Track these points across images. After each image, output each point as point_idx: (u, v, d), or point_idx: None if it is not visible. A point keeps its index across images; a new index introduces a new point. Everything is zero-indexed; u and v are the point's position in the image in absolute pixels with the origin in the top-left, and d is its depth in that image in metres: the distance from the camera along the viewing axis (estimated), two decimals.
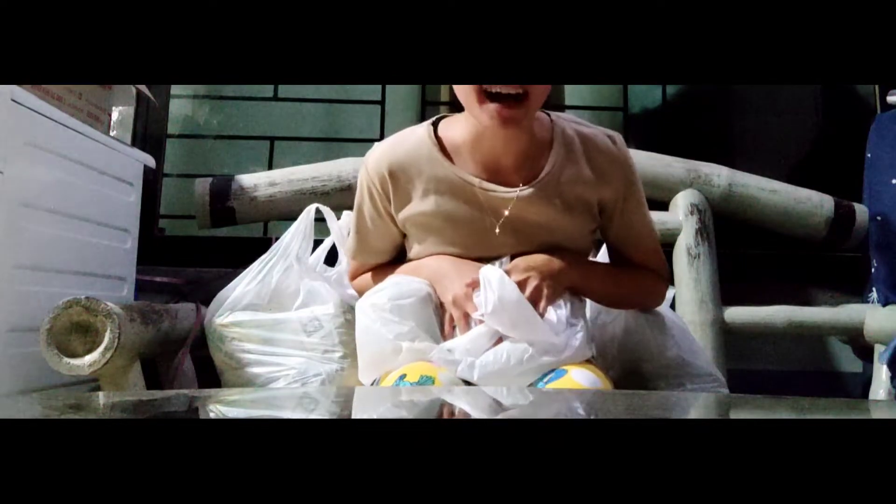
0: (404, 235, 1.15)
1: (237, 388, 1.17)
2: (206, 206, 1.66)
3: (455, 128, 1.09)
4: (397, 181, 1.08)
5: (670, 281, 1.34)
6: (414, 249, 1.13)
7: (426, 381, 0.94)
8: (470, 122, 1.05)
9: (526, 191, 1.06)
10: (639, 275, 1.16)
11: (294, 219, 1.29)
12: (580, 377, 0.95)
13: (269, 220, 1.92)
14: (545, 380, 0.97)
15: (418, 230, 1.11)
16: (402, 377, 0.95)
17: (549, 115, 1.11)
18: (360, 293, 1.20)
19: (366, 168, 1.10)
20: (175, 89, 2.15)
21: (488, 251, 1.07)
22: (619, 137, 1.11)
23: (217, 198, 1.65)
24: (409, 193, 1.08)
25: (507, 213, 1.05)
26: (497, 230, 1.06)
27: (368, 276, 1.19)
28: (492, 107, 0.97)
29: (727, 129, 2.26)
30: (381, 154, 1.09)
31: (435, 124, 1.11)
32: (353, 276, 1.21)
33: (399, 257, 1.19)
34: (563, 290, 1.05)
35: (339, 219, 1.31)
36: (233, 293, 1.22)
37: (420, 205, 1.08)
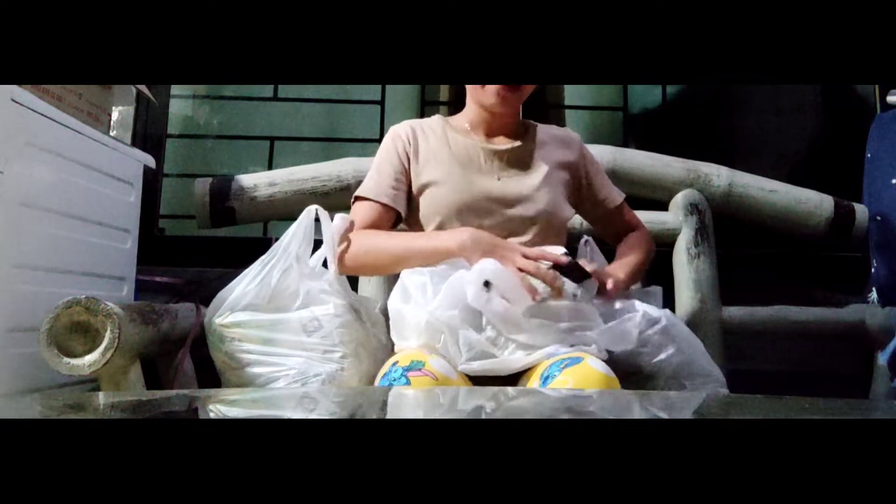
0: (406, 217, 1.30)
1: (237, 388, 1.17)
2: (206, 206, 1.66)
3: (457, 118, 1.37)
4: (417, 136, 1.32)
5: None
6: (429, 198, 1.27)
7: (417, 364, 1.00)
8: (468, 112, 1.34)
9: (514, 144, 1.31)
10: (639, 240, 1.39)
11: (294, 219, 1.29)
12: (597, 364, 0.99)
13: (269, 220, 1.92)
14: (562, 365, 0.99)
15: (432, 169, 1.28)
16: (395, 363, 1.03)
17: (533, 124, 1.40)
18: (353, 250, 1.22)
19: (393, 129, 1.35)
20: (175, 89, 2.15)
21: (488, 197, 1.25)
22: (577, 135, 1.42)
23: (217, 198, 1.65)
24: (426, 142, 1.32)
25: (500, 164, 1.29)
26: (494, 178, 1.27)
27: (369, 230, 1.24)
28: (494, 88, 1.24)
29: (727, 129, 2.26)
30: (403, 123, 1.36)
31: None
32: (360, 226, 1.25)
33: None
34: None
35: (332, 220, 1.31)
36: (233, 293, 1.22)
37: (433, 150, 1.30)
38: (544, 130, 1.37)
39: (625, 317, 1.13)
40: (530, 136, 1.34)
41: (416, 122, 1.35)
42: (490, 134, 1.32)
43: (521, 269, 1.09)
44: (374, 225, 1.26)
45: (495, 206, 1.24)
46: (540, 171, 1.29)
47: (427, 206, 1.27)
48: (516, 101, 1.27)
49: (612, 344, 1.10)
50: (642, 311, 1.16)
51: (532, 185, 1.27)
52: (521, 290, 1.07)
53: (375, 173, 1.30)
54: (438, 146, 1.30)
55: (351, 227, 1.25)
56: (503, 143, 1.31)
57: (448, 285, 1.06)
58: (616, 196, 1.39)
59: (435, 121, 1.36)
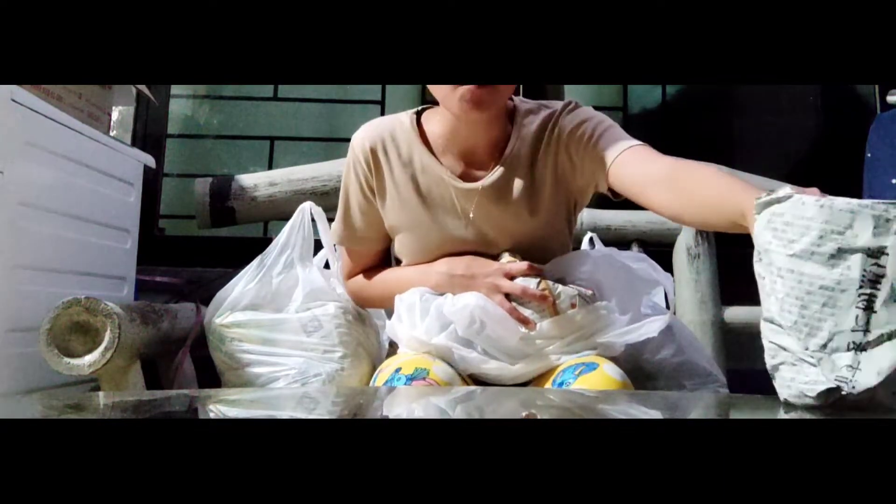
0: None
1: (237, 388, 1.17)
2: (206, 206, 1.66)
3: (434, 120, 1.12)
4: (378, 159, 1.11)
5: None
6: (398, 242, 1.15)
7: (421, 373, 0.95)
8: (445, 115, 1.08)
9: (490, 179, 1.08)
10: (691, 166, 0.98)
11: None
12: (612, 371, 0.96)
13: (269, 220, 1.92)
14: (577, 372, 0.96)
15: (397, 214, 1.12)
16: (398, 370, 0.98)
17: (512, 100, 1.13)
18: (355, 297, 1.22)
19: (352, 146, 1.14)
20: (175, 89, 2.15)
21: (464, 242, 1.09)
22: (572, 103, 1.12)
23: (217, 198, 1.65)
24: (389, 172, 1.11)
25: (472, 207, 1.08)
26: (467, 221, 1.09)
27: (362, 279, 1.19)
28: (464, 89, 0.98)
29: (727, 129, 2.26)
30: (365, 132, 1.13)
31: (419, 113, 1.15)
32: (348, 276, 1.22)
33: (387, 260, 1.21)
34: None
35: (328, 219, 1.30)
36: (232, 293, 1.22)
37: (398, 185, 1.11)
38: (530, 126, 1.10)
39: (650, 318, 1.05)
40: (514, 151, 1.09)
41: (380, 137, 1.11)
42: (466, 153, 1.10)
43: (507, 296, 1.01)
44: (364, 267, 1.20)
45: (473, 249, 1.09)
46: (525, 199, 1.08)
47: (397, 247, 1.16)
48: (492, 102, 1.01)
49: (633, 339, 1.03)
50: (668, 315, 1.09)
51: (516, 225, 1.08)
52: (511, 323, 0.99)
53: (344, 214, 1.16)
54: (403, 180, 1.10)
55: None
56: (479, 173, 1.09)
57: (434, 310, 1.02)
58: (618, 148, 1.02)
59: (403, 130, 1.12)
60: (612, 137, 1.05)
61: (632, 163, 1.00)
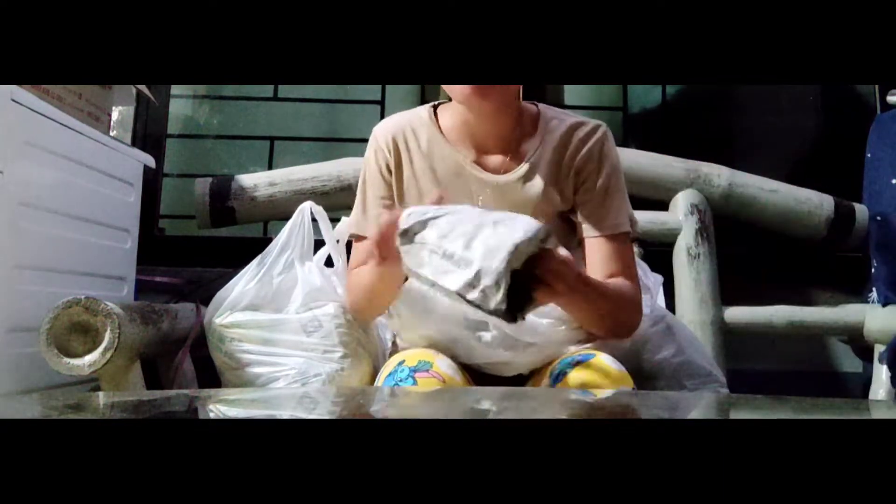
0: None
1: (237, 388, 1.17)
2: (206, 206, 1.66)
3: (447, 114, 1.16)
4: (399, 149, 1.14)
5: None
6: None
7: (424, 365, 0.97)
8: (457, 108, 1.11)
9: (509, 177, 1.10)
10: (620, 288, 1.05)
11: None
12: (609, 361, 0.97)
13: (269, 220, 1.92)
14: (573, 363, 0.98)
15: (414, 203, 1.10)
16: (402, 362, 0.99)
17: (537, 106, 1.15)
18: (354, 295, 1.17)
19: (374, 136, 1.17)
20: (175, 89, 2.15)
21: None
22: (603, 128, 1.13)
23: (217, 198, 1.65)
24: (409, 163, 1.14)
25: (489, 195, 1.10)
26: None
27: (362, 270, 1.15)
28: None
29: (727, 129, 2.26)
30: (388, 123, 1.17)
31: (435, 107, 1.18)
32: (355, 266, 1.17)
33: None
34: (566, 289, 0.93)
35: (337, 221, 1.30)
36: (232, 293, 1.22)
37: (417, 175, 1.13)
38: (555, 131, 1.11)
39: None
40: (531, 148, 1.11)
41: (401, 129, 1.14)
42: (481, 144, 1.12)
43: None
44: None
45: None
46: (543, 204, 1.09)
47: None
48: (495, 92, 1.03)
49: None
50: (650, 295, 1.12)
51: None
52: None
53: (362, 203, 1.16)
54: (422, 170, 1.12)
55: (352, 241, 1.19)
56: (496, 167, 1.11)
57: (433, 304, 1.02)
58: (601, 226, 1.08)
59: (422, 122, 1.15)
60: (606, 209, 1.09)
61: (595, 252, 1.08)
